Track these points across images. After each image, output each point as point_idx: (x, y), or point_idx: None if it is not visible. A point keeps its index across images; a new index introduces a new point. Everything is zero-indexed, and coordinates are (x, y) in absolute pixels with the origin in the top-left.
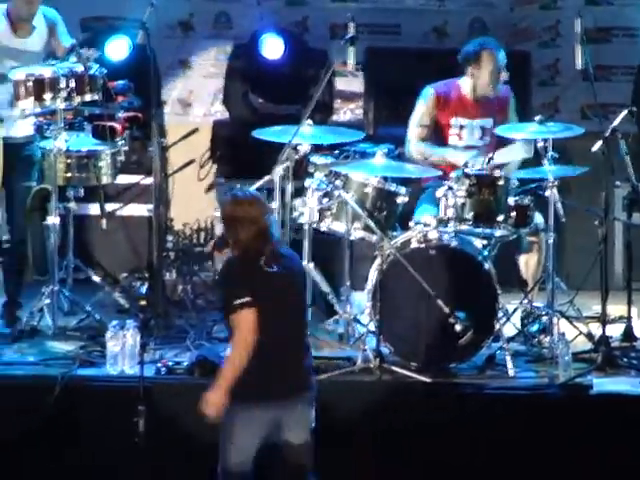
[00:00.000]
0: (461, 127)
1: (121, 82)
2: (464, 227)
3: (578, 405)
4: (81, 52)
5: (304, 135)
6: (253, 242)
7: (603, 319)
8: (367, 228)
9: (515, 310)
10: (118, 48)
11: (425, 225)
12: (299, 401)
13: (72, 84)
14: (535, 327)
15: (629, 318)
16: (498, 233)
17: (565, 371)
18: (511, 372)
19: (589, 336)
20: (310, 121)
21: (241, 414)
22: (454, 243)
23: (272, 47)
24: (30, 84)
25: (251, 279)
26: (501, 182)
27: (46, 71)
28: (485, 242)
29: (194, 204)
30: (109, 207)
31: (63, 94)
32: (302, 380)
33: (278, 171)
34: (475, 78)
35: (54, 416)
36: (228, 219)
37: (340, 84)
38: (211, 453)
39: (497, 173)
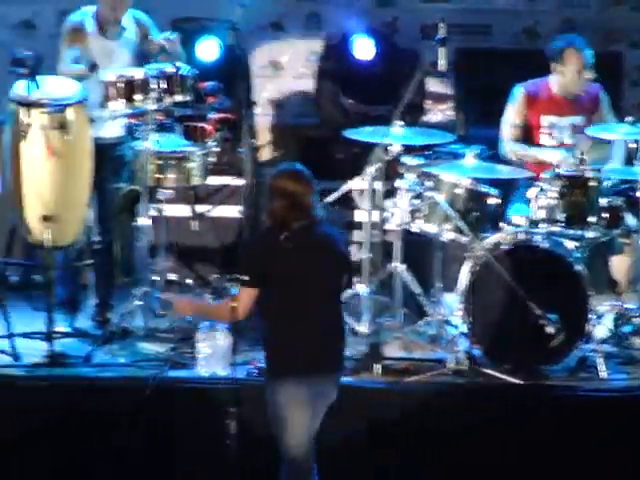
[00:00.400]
0: (551, 125)
1: (211, 83)
2: (555, 228)
3: None
4: (167, 38)
5: (395, 136)
6: (283, 215)
7: None
8: (458, 229)
9: (607, 312)
10: (209, 49)
11: (516, 226)
12: (328, 382)
13: (163, 85)
14: (627, 329)
15: None
16: (590, 234)
17: None
18: (603, 374)
19: None
20: (401, 122)
21: (283, 393)
22: (545, 244)
23: (363, 48)
24: (121, 85)
25: (267, 255)
26: (593, 183)
27: (137, 72)
28: (577, 244)
29: None
30: (200, 208)
31: (154, 95)
32: (331, 362)
33: (369, 172)
34: (561, 75)
35: (145, 418)
36: (269, 189)
37: (431, 85)
38: None
39: (589, 174)
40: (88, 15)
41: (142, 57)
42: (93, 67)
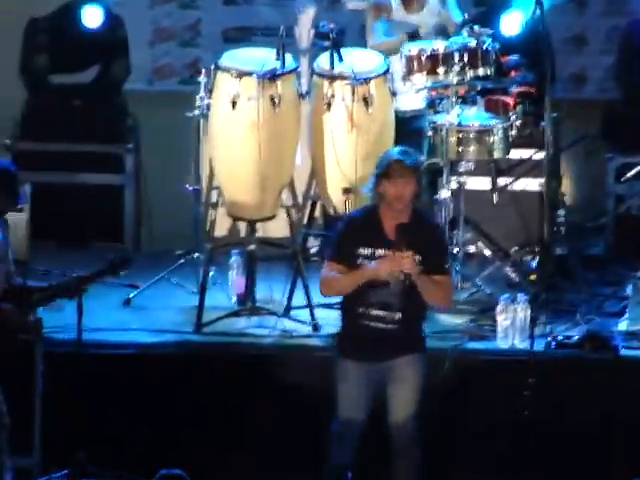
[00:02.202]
0: None
1: (514, 57)
2: None
3: None
4: (474, 27)
5: None
6: (389, 201)
7: None
8: None
9: None
10: (512, 23)
11: None
12: (402, 362)
13: (465, 59)
14: None
15: None
16: None
17: None
18: None
19: None
20: None
21: (343, 368)
22: None
23: None
24: (423, 59)
25: (360, 237)
26: None
27: (440, 46)
28: None
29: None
30: (500, 181)
31: (456, 69)
32: (406, 344)
33: None
34: None
35: (445, 389)
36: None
37: None
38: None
39: None
40: None
41: (442, 31)
42: (414, 35)
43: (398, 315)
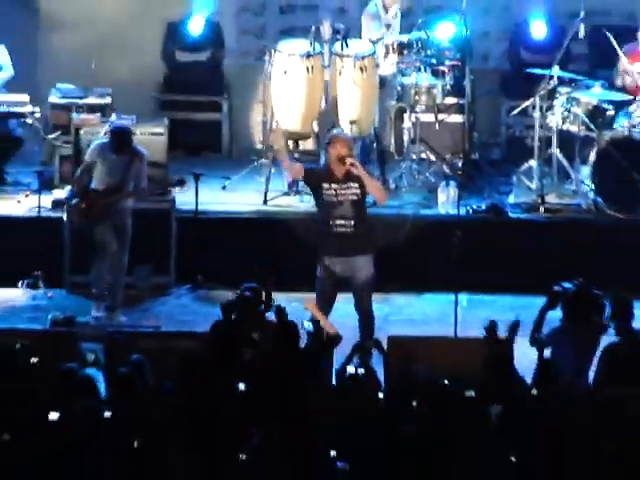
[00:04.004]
0: None
1: (447, 45)
2: None
3: None
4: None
5: None
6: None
7: None
8: (589, 128)
9: None
10: (446, 29)
11: (622, 127)
12: (359, 261)
13: (419, 45)
14: None
15: None
16: None
17: None
18: None
19: None
20: None
21: (322, 262)
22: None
23: None
24: (395, 45)
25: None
26: None
27: (404, 38)
28: None
29: None
30: (440, 116)
31: (414, 50)
32: (359, 243)
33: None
34: None
35: (408, 238)
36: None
37: None
38: None
39: None
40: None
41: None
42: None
43: (351, 222)
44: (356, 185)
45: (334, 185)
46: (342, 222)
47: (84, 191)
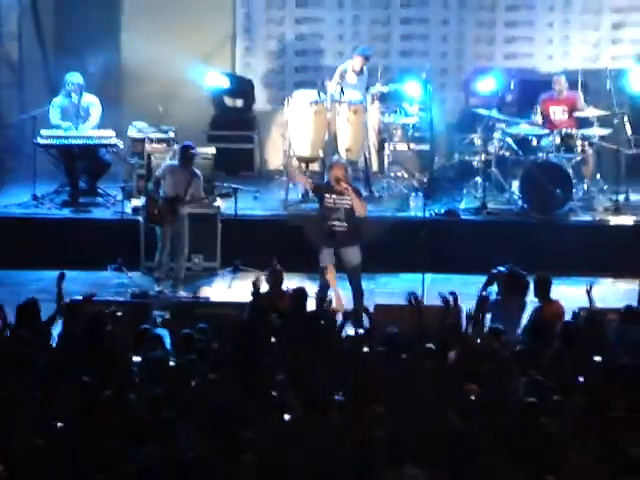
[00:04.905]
0: None
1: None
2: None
3: None
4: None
5: None
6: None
7: None
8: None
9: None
10: (414, 88)
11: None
12: (349, 250)
13: (388, 95)
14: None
15: None
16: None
17: None
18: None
19: None
20: None
21: (321, 251)
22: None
23: None
24: (376, 96)
25: (324, 188)
26: None
27: (383, 89)
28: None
29: None
30: (412, 145)
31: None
32: (349, 238)
33: None
34: None
35: (385, 232)
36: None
37: None
38: None
39: None
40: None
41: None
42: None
43: (344, 223)
44: (348, 198)
45: (333, 196)
46: (337, 223)
47: (154, 200)
